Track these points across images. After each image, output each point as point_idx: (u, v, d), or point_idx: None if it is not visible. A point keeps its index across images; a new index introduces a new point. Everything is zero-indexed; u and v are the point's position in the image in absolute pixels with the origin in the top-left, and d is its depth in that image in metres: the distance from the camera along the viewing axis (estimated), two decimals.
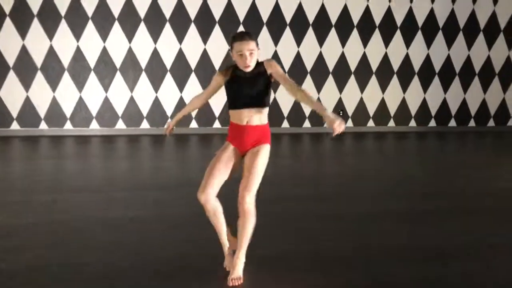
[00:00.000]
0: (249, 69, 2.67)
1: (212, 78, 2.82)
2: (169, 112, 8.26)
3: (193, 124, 8.43)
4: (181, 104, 8.18)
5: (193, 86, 8.22)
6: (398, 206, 4.39)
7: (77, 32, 7.83)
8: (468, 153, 7.53)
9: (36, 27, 7.68)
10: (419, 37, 8.84)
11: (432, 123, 9.22)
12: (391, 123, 9.06)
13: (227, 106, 2.79)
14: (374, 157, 7.03)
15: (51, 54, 7.80)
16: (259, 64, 2.71)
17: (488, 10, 8.98)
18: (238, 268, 2.67)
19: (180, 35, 8.12)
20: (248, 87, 2.69)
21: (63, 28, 7.76)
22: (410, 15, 8.76)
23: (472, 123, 9.38)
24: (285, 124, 8.66)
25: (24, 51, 7.72)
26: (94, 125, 8.13)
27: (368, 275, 2.87)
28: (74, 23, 7.79)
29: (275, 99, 8.38)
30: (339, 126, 2.37)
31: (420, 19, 8.82)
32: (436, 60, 8.97)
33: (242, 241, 2.65)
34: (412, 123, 9.14)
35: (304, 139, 8.19)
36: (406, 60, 8.86)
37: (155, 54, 8.09)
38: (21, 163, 6.15)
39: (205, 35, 8.18)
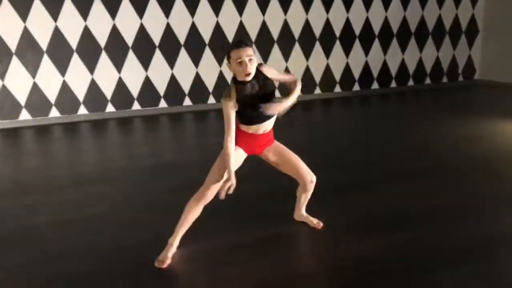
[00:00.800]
0: (249, 77, 2.57)
1: (225, 109, 2.61)
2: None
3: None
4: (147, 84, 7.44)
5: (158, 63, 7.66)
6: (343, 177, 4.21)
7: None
8: (401, 114, 7.59)
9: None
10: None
11: (356, 86, 9.21)
12: (317, 90, 8.94)
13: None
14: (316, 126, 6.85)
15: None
16: (256, 73, 2.62)
17: None
18: None
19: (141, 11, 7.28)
20: (261, 102, 2.61)
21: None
22: None
23: (411, 82, 9.51)
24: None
25: None
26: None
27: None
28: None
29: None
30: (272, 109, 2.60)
31: None
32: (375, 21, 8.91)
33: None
34: (337, 88, 9.08)
35: None
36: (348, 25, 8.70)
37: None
38: None
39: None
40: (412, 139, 5.67)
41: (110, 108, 7.73)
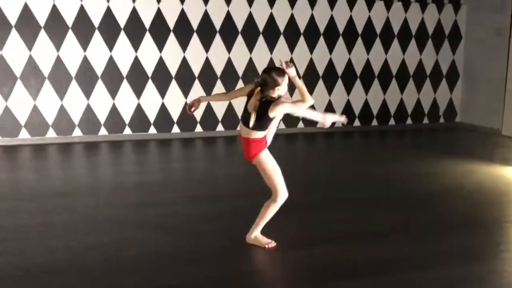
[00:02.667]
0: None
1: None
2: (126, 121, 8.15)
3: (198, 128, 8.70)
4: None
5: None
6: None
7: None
8: (367, 150, 8.03)
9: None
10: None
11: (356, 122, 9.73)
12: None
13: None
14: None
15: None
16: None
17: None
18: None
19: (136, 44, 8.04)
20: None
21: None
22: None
23: (392, 121, 9.99)
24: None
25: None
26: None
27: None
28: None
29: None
30: None
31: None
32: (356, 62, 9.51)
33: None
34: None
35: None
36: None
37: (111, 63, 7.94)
38: None
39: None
40: (367, 173, 6.11)
41: (103, 131, 8.35)
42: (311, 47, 9.22)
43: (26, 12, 7.68)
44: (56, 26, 7.84)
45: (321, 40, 9.26)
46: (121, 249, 3.50)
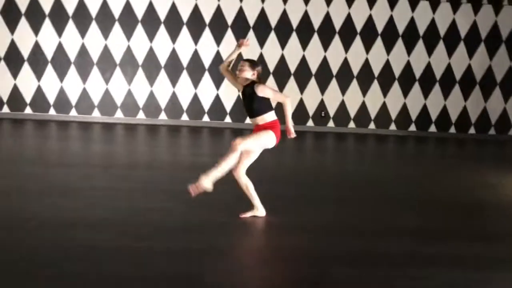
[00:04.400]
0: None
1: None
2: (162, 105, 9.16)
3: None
4: (174, 98, 9.08)
5: (185, 83, 9.09)
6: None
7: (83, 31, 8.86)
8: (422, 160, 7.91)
9: (47, 26, 8.77)
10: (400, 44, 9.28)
11: (412, 127, 9.60)
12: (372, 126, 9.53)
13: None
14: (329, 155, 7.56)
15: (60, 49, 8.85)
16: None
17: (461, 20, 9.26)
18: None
19: (174, 36, 8.97)
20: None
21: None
22: (391, 22, 9.22)
23: (453, 129, 9.68)
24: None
25: (37, 46, 8.81)
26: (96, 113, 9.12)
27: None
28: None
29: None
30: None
31: (401, 27, 9.26)
32: (416, 67, 9.38)
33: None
34: (393, 126, 9.57)
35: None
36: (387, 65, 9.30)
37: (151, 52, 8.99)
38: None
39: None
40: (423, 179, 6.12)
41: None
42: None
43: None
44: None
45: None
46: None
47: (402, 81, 9.40)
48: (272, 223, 3.90)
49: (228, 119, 9.30)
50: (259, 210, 3.98)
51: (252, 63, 3.92)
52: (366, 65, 9.30)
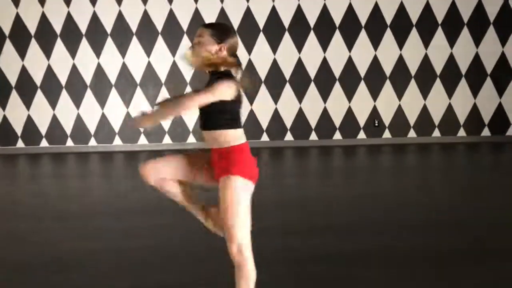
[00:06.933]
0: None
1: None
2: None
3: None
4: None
5: None
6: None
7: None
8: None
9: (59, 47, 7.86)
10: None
11: (486, 132, 8.05)
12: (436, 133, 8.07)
13: None
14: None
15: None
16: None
17: None
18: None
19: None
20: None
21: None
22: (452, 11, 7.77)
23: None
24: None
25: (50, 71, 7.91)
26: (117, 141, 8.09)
27: None
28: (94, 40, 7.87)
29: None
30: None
31: (465, 15, 7.79)
32: (486, 59, 7.85)
33: None
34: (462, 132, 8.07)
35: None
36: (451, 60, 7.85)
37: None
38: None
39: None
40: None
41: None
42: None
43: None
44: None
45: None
46: None
47: (470, 77, 7.89)
48: None
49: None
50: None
51: (217, 30, 2.22)
52: (426, 62, 7.86)
